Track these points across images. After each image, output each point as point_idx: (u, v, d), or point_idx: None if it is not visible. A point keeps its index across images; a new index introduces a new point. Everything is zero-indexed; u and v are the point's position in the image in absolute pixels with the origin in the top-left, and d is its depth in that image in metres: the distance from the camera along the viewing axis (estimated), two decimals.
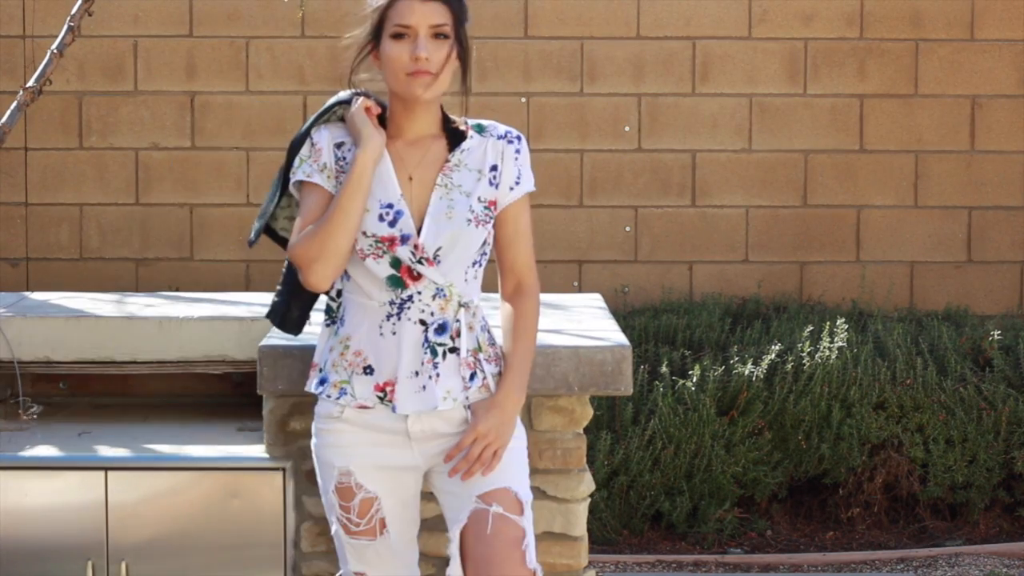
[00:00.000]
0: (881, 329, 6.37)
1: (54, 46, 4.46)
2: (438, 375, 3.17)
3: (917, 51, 7.15)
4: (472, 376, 3.20)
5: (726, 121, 7.14)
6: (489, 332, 3.28)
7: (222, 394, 4.24)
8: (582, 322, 4.02)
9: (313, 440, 3.28)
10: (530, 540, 3.19)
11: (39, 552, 3.72)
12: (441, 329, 3.18)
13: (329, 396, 3.22)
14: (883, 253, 7.18)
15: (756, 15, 7.13)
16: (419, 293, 3.17)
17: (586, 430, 3.82)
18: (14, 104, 4.41)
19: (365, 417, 3.21)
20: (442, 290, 3.18)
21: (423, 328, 3.18)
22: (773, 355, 6.00)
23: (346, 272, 3.23)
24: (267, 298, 4.42)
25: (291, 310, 3.39)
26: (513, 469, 3.22)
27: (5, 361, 4.05)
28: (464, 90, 3.24)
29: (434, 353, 3.17)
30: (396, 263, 3.17)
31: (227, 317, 4.07)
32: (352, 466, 3.21)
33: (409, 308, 3.17)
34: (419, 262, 3.16)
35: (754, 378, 5.94)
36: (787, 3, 7.13)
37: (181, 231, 7.15)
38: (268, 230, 3.39)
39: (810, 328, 6.20)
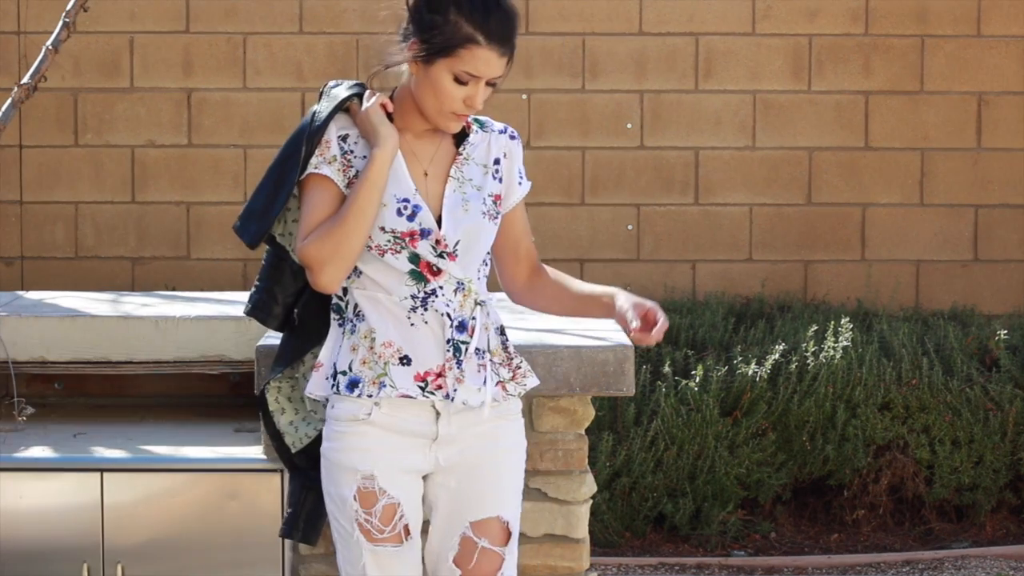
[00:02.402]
0: (886, 329, 6.36)
1: (49, 42, 4.42)
2: (463, 373, 3.13)
3: (923, 47, 7.13)
4: (486, 380, 3.16)
5: (729, 118, 7.12)
6: (503, 334, 3.25)
7: (219, 395, 4.22)
8: (584, 322, 3.98)
9: (326, 444, 3.19)
10: (508, 568, 3.23)
11: (34, 554, 3.70)
12: (461, 327, 3.15)
13: (370, 396, 3.12)
14: (888, 252, 7.16)
15: (760, 11, 7.11)
16: (441, 288, 3.14)
17: (588, 431, 3.81)
18: (9, 101, 4.38)
19: (393, 419, 3.14)
20: (462, 284, 3.15)
21: (449, 321, 3.14)
22: (777, 355, 5.98)
23: (355, 268, 3.16)
24: None
25: (276, 304, 3.30)
26: (509, 492, 3.23)
27: None
28: None
29: (456, 350, 3.14)
30: (415, 258, 3.13)
31: (224, 317, 4.04)
32: (376, 470, 3.14)
33: (434, 301, 3.13)
34: (440, 256, 3.13)
35: (758, 378, 5.93)
36: None
37: (178, 229, 7.13)
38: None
39: (814, 328, 6.18)
